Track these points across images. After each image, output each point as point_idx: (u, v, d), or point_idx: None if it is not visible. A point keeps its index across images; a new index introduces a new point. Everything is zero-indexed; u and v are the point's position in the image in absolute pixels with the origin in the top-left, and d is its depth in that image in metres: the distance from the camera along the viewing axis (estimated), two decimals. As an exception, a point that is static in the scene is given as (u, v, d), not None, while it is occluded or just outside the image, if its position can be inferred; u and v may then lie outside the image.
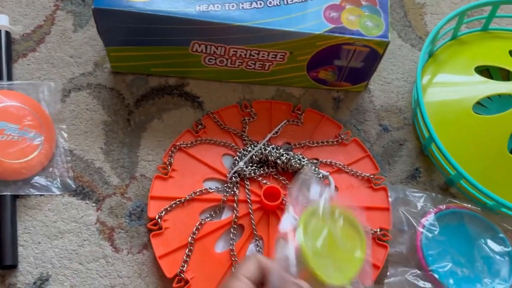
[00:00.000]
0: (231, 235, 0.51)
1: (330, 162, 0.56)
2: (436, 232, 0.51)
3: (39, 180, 0.53)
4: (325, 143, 0.57)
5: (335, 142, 0.57)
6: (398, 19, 0.67)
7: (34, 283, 0.49)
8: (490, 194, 0.50)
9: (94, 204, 0.53)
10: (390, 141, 0.59)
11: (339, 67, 0.57)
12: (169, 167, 0.54)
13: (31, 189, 0.52)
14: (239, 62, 0.56)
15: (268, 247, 0.50)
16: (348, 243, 0.40)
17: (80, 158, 0.55)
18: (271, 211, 0.52)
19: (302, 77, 0.59)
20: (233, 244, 0.50)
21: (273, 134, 0.57)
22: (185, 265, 0.48)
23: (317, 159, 0.56)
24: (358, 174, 0.55)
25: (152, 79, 0.60)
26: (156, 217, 0.51)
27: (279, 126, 0.57)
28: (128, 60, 0.57)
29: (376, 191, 0.54)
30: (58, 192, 0.52)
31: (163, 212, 0.51)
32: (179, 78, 0.60)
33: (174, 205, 0.52)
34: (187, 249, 0.49)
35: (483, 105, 0.60)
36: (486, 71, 0.63)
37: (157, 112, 0.58)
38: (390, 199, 0.54)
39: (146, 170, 0.55)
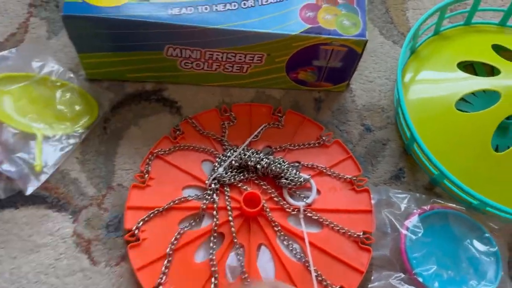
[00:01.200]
0: (211, 244, 0.49)
1: (312, 165, 0.54)
2: (420, 234, 0.50)
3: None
4: (307, 146, 0.56)
5: (316, 144, 0.56)
6: (379, 16, 0.66)
7: (10, 299, 0.48)
8: (474, 193, 0.49)
9: (70, 216, 0.51)
10: (373, 141, 0.57)
11: (319, 68, 0.55)
12: (146, 175, 0.53)
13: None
14: (216, 65, 0.55)
15: (249, 255, 0.49)
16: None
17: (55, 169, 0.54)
18: (252, 218, 0.51)
19: (281, 78, 0.57)
20: (213, 253, 0.49)
21: (253, 138, 0.55)
22: (164, 277, 0.47)
23: (298, 162, 0.55)
24: (340, 176, 0.54)
25: (129, 85, 0.58)
26: (133, 228, 0.49)
27: (258, 130, 0.56)
28: (102, 66, 0.56)
29: (359, 193, 0.53)
30: (3, 196, 0.52)
31: (141, 223, 0.50)
32: (156, 83, 0.59)
33: (152, 215, 0.50)
34: (166, 260, 0.48)
35: (468, 102, 0.59)
36: (471, 66, 0.62)
37: (134, 119, 0.57)
38: (373, 201, 0.53)
39: (123, 179, 0.53)
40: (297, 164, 0.54)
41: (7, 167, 0.51)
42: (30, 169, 0.52)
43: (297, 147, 0.56)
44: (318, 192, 0.53)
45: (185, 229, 0.50)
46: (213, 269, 0.48)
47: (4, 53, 0.58)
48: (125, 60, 0.55)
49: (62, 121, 0.55)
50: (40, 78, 0.56)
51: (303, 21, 0.51)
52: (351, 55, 0.53)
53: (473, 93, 0.59)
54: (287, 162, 0.53)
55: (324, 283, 0.48)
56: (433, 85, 0.58)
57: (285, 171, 0.52)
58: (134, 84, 0.58)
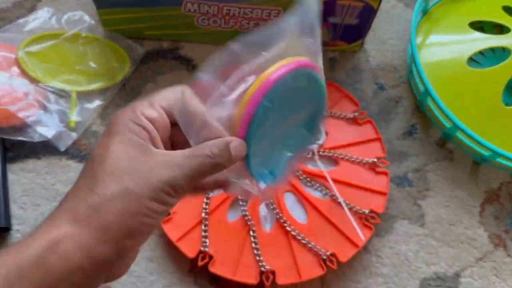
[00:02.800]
0: (240, 202, 0.51)
1: None
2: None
3: (32, 127, 0.52)
4: None
5: None
6: (391, -20, 0.67)
7: (35, 244, 0.49)
8: (486, 143, 0.50)
9: (92, 167, 0.53)
10: (386, 99, 0.59)
11: (334, 25, 0.57)
12: None
13: (22, 137, 0.52)
14: (233, 22, 0.56)
15: (278, 203, 0.51)
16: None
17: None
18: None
19: (296, 37, 0.58)
20: (244, 209, 0.50)
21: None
22: (207, 241, 0.48)
23: None
24: (342, 115, 0.56)
25: (147, 43, 0.59)
26: None
27: None
28: (120, 23, 0.57)
29: (363, 125, 0.55)
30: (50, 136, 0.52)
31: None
32: (173, 41, 0.60)
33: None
34: (203, 225, 0.49)
35: (476, 62, 0.60)
36: (481, 29, 0.63)
37: (152, 76, 0.58)
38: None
39: (143, 131, 0.54)
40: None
41: (42, 124, 0.52)
42: (64, 126, 0.53)
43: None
44: (326, 133, 0.55)
45: (212, 194, 0.51)
46: (249, 223, 0.49)
47: (33, 13, 0.59)
48: (144, 17, 0.56)
49: (95, 77, 0.56)
50: (71, 35, 0.57)
51: (320, -24, 0.52)
52: (366, 11, 0.54)
53: (481, 53, 0.60)
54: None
55: (354, 209, 0.50)
56: (444, 47, 0.60)
57: None
58: (152, 42, 0.59)
